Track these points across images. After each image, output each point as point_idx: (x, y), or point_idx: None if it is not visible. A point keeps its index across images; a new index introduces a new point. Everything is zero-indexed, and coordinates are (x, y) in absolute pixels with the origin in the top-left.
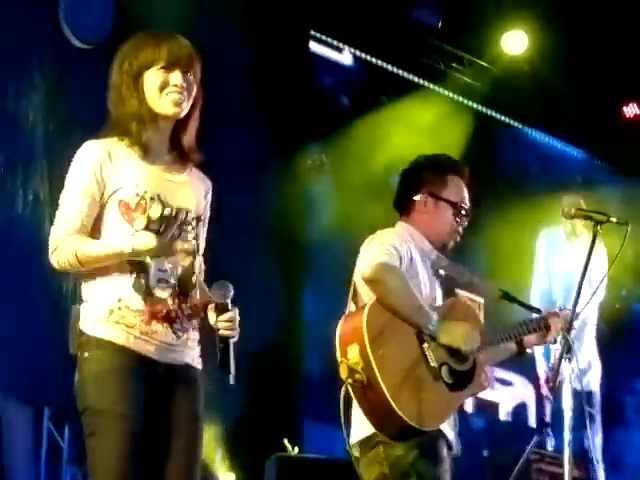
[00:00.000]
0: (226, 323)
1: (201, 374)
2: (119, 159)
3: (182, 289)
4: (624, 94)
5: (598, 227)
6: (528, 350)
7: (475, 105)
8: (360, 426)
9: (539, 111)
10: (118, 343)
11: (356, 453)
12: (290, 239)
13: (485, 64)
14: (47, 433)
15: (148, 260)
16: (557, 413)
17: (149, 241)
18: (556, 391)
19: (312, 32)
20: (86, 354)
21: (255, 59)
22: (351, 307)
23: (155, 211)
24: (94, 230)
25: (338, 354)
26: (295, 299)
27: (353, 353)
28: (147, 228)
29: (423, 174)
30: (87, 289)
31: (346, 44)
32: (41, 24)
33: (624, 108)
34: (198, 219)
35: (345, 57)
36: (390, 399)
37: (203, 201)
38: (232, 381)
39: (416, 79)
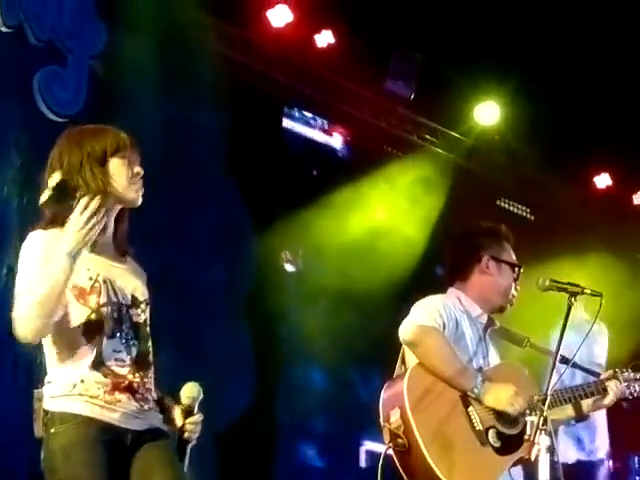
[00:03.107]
0: (191, 426)
1: (168, 436)
2: None
3: (139, 367)
4: (595, 165)
5: (572, 299)
6: (587, 413)
7: (449, 176)
8: None
9: (511, 181)
10: (83, 414)
11: None
12: (266, 310)
13: (458, 135)
14: None
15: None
16: None
17: (77, 225)
18: (532, 463)
19: (285, 107)
20: (52, 430)
21: (232, 129)
22: (399, 371)
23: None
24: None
25: (381, 419)
26: (269, 371)
27: (395, 417)
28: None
29: (481, 240)
30: (50, 373)
31: (319, 116)
32: (15, 98)
33: (595, 179)
34: (147, 303)
35: (317, 129)
36: (432, 463)
37: (146, 287)
38: None
39: (389, 149)
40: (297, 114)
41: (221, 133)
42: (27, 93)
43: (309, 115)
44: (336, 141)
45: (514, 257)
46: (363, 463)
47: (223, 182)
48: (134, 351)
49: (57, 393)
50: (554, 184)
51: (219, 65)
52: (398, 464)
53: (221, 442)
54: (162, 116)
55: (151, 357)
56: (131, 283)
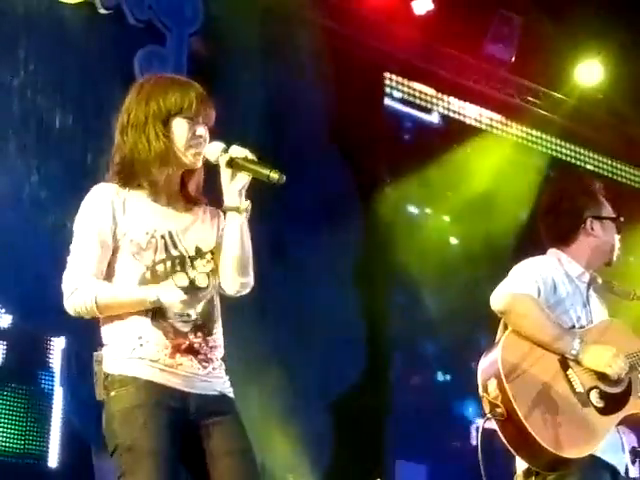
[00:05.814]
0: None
1: (234, 403)
2: (129, 200)
3: (204, 324)
4: None
5: None
6: None
7: (552, 138)
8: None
9: (617, 141)
10: (143, 378)
11: None
12: (375, 278)
13: (561, 96)
14: None
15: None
16: None
17: (177, 298)
18: None
19: (386, 74)
20: (112, 393)
21: (334, 98)
22: (500, 337)
23: (181, 280)
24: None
25: (480, 389)
26: (381, 338)
27: (492, 387)
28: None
29: (580, 201)
30: (106, 333)
31: (419, 82)
32: (117, 79)
33: None
34: (212, 252)
35: (417, 97)
36: (531, 430)
37: (217, 233)
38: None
39: (492, 115)
40: (397, 81)
41: (323, 103)
42: (128, 73)
43: (409, 82)
44: (437, 106)
45: (611, 210)
46: (474, 440)
47: (327, 151)
48: (200, 305)
49: (117, 355)
50: None
51: (319, 36)
52: (500, 433)
53: (335, 411)
54: (264, 89)
55: (216, 311)
56: (197, 234)
